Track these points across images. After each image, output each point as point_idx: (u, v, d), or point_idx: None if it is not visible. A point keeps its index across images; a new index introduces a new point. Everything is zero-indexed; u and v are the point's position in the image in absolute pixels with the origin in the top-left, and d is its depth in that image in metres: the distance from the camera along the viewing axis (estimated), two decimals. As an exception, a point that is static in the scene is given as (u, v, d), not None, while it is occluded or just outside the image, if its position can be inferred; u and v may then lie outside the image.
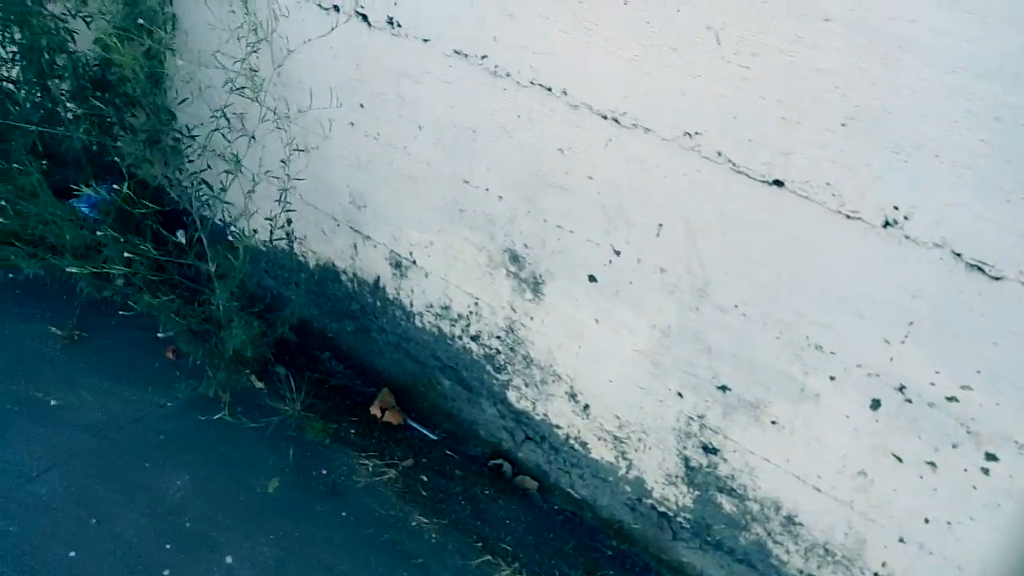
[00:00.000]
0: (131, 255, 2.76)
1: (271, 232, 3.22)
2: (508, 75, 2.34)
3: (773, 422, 2.25)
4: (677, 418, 2.46)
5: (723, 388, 2.31)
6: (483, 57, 2.37)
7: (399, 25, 2.52)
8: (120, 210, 3.22)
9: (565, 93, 2.25)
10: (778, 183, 1.97)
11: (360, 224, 3.02)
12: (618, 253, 2.35)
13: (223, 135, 2.87)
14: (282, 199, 2.97)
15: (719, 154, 2.03)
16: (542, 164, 2.40)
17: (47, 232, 3.11)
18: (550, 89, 2.28)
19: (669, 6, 1.96)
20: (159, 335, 3.20)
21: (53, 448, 2.89)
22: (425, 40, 2.48)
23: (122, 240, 2.71)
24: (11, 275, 3.58)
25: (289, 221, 3.24)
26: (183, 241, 2.58)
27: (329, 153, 2.92)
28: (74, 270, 2.64)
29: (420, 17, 2.47)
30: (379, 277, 3.08)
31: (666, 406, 2.47)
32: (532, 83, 2.31)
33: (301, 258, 3.34)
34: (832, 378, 2.09)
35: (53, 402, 3.05)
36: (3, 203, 2.83)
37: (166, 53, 3.17)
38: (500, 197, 2.55)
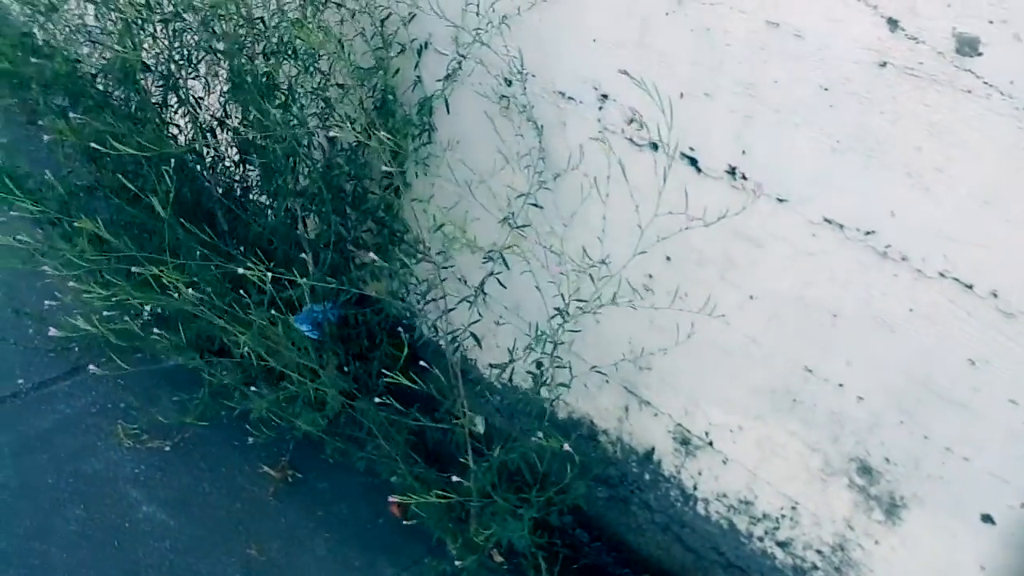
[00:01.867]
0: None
1: (511, 372, 2.80)
2: (905, 259, 1.85)
3: None
4: None
5: None
6: (868, 233, 1.89)
7: (744, 177, 2.07)
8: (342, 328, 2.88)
9: (995, 296, 1.75)
10: None
11: (638, 386, 2.56)
12: (1039, 499, 1.83)
13: (498, 280, 2.47)
14: (552, 353, 2.53)
15: None
16: (937, 372, 1.89)
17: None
18: (970, 287, 1.78)
19: None
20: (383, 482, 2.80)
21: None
22: (780, 200, 2.02)
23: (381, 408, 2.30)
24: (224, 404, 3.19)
25: (539, 364, 2.81)
26: (478, 429, 2.16)
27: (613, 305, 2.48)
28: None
29: (778, 172, 2.00)
30: (654, 449, 2.61)
31: None
32: (943, 275, 1.81)
33: (547, 405, 2.89)
34: None
35: (273, 568, 2.66)
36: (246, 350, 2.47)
37: (417, 169, 2.80)
38: (860, 398, 2.05)
